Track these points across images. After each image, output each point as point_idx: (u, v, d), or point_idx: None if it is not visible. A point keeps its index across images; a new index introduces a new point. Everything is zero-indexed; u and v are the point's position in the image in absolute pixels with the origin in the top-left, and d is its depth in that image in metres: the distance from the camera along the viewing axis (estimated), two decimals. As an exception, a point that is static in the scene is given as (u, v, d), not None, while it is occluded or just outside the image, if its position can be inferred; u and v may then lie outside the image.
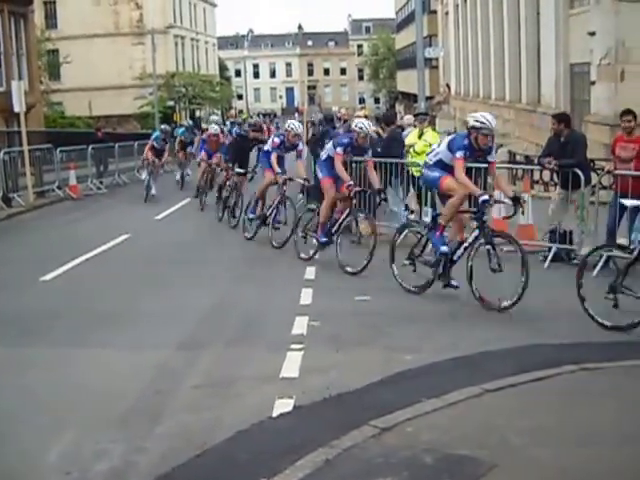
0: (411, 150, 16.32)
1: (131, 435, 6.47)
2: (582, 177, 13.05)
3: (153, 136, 26.96)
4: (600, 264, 11.68)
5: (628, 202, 11.73)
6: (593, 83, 27.76)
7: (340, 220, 13.55)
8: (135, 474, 5.83)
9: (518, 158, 25.41)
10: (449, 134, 21.01)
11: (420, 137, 16.83)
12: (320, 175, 14.05)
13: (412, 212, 16.58)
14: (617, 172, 12.78)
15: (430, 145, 16.13)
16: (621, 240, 12.28)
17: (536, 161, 15.27)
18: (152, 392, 7.51)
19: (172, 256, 14.98)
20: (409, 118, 19.32)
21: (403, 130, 17.98)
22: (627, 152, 12.63)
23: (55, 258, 14.47)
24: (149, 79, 66.98)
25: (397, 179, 16.25)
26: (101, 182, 30.16)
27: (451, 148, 10.92)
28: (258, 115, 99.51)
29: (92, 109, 66.44)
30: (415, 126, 17.52)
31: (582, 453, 5.72)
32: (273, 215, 15.80)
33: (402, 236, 12.06)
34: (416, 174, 16.12)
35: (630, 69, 25.73)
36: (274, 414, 6.83)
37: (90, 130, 42.90)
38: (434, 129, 17.96)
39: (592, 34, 27.44)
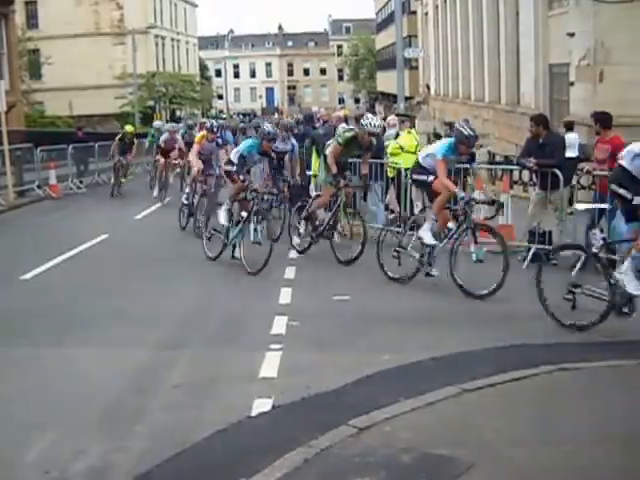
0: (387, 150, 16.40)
1: (110, 434, 6.48)
2: (561, 178, 13.11)
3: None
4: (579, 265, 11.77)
5: (581, 206, 11.97)
6: (572, 84, 27.87)
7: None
8: (114, 473, 5.84)
9: (497, 158, 25.45)
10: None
11: (396, 138, 16.93)
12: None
13: (392, 212, 16.63)
14: (595, 173, 12.89)
15: (401, 148, 16.22)
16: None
17: (515, 161, 15.34)
18: (131, 391, 7.52)
19: (151, 256, 14.96)
20: (394, 119, 19.35)
21: (384, 131, 18.01)
22: (602, 153, 12.78)
23: (35, 257, 14.46)
24: (129, 79, 67.02)
25: (377, 179, 16.25)
26: (81, 182, 30.05)
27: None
28: (238, 115, 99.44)
29: (72, 109, 66.21)
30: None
31: (559, 453, 5.76)
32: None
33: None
34: (390, 174, 16.19)
35: (609, 70, 25.83)
36: (253, 413, 6.86)
37: (70, 130, 42.74)
38: (410, 131, 18.02)
39: (571, 35, 27.55)
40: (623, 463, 5.60)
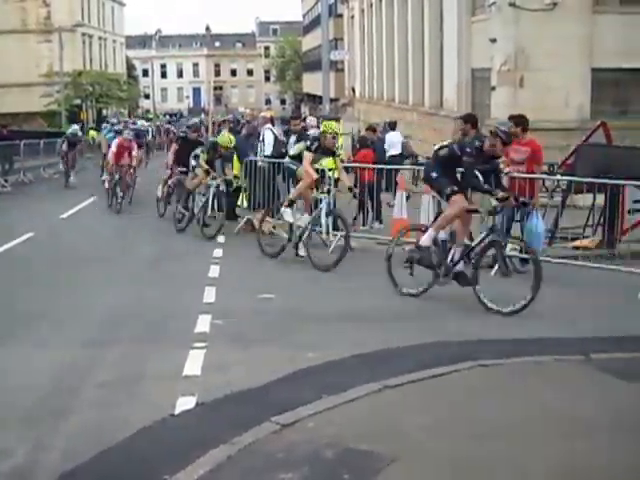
0: None
1: (35, 433, 6.42)
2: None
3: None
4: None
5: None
6: (493, 88, 28.37)
7: None
8: (40, 472, 5.79)
9: (420, 159, 25.77)
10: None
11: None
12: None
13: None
14: (514, 174, 13.16)
15: None
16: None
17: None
18: (56, 390, 7.46)
19: (76, 255, 14.83)
20: (313, 120, 19.47)
21: (306, 131, 18.12)
22: (519, 154, 13.13)
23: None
24: (56, 77, 66.17)
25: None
26: (6, 180, 29.69)
27: None
28: (164, 115, 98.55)
29: (-2, 106, 65.14)
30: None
31: (478, 447, 5.86)
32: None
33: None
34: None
35: (529, 76, 26.45)
36: (177, 412, 6.85)
37: (-5, 127, 42.07)
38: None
39: (493, 41, 28.07)
40: (543, 455, 5.73)
